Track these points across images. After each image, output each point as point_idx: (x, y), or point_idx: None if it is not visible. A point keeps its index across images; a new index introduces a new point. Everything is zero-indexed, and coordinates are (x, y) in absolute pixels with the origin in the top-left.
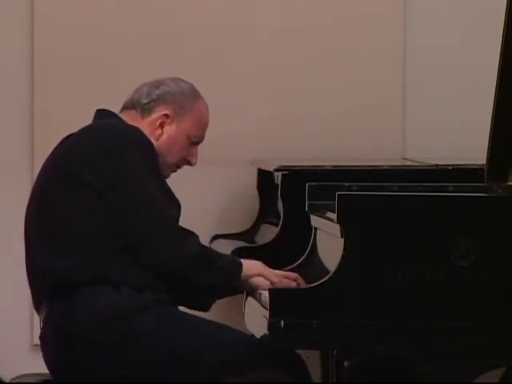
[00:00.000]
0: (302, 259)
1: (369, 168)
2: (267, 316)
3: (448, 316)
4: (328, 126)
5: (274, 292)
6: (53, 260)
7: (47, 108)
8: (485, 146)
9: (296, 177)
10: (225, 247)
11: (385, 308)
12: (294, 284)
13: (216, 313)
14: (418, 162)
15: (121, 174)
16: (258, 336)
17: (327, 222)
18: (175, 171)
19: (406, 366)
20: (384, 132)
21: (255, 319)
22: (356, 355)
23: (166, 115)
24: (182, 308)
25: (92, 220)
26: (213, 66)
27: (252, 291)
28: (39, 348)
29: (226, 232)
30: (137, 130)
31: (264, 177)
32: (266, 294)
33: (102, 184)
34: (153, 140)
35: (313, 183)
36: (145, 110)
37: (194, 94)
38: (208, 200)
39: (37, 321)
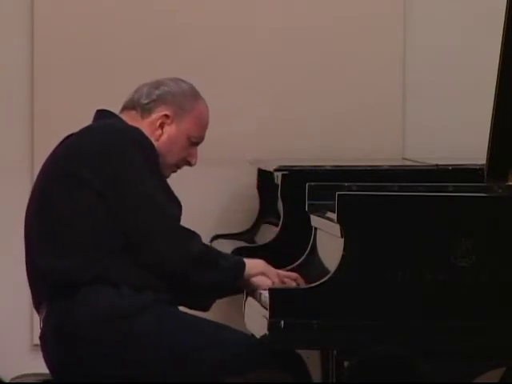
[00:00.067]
0: (301, 259)
1: (369, 168)
2: (267, 316)
3: (448, 316)
4: (328, 126)
5: (274, 292)
6: (53, 260)
7: (47, 108)
8: (485, 146)
9: (296, 177)
10: (225, 247)
11: (385, 308)
12: (294, 284)
13: (216, 313)
14: (418, 162)
15: (121, 174)
16: (258, 336)
17: (327, 221)
18: (175, 171)
19: (406, 366)
20: (384, 132)
21: (255, 319)
22: (356, 355)
23: (166, 115)
24: (182, 308)
25: (92, 220)
26: (213, 66)
27: (253, 291)
28: (39, 348)
29: (226, 232)
30: (137, 130)
31: (264, 177)
32: (266, 294)
33: (102, 184)
34: (153, 140)
35: (313, 183)
36: (145, 110)
37: (194, 95)
38: (208, 200)
39: (37, 321)
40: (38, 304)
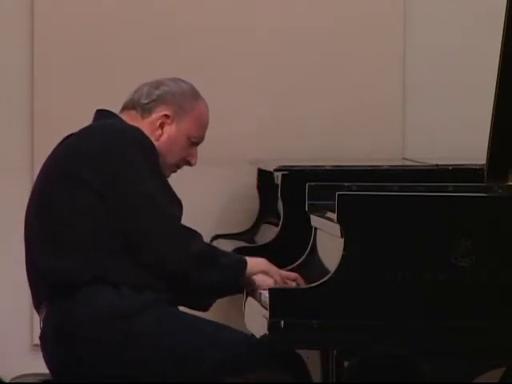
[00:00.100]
0: (301, 259)
1: (369, 168)
2: (267, 316)
3: (448, 316)
4: (328, 126)
5: (274, 292)
6: (53, 260)
7: (47, 108)
8: (485, 145)
9: (296, 177)
10: (225, 247)
11: (385, 308)
12: (293, 284)
13: (216, 313)
14: (418, 162)
15: (121, 174)
16: (258, 336)
17: (327, 221)
18: (175, 171)
19: (406, 366)
20: (384, 132)
21: (255, 319)
22: (356, 355)
23: (166, 115)
24: (182, 308)
25: (92, 220)
26: (213, 66)
27: (253, 290)
28: (39, 348)
29: (226, 232)
30: (137, 130)
31: (264, 177)
32: (266, 294)
33: (102, 184)
34: (153, 140)
35: (313, 183)
36: (145, 110)
37: (194, 95)
38: (208, 200)
39: (37, 321)
40: (38, 304)
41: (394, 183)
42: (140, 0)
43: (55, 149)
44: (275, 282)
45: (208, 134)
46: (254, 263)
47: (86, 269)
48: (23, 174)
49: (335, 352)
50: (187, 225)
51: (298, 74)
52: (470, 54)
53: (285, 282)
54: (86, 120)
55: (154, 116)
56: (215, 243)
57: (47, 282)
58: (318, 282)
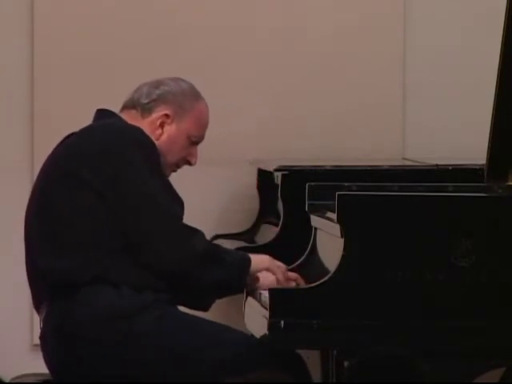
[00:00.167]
0: (301, 259)
1: (369, 168)
2: (267, 316)
3: (448, 316)
4: (328, 126)
5: (274, 292)
6: (53, 260)
7: (47, 108)
8: (485, 145)
9: (296, 177)
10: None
11: (385, 308)
12: (293, 284)
13: (216, 313)
14: (418, 162)
15: (121, 174)
16: (257, 336)
17: (327, 221)
18: (175, 171)
19: (406, 366)
20: (384, 132)
21: (255, 319)
22: (356, 355)
23: (167, 115)
24: (182, 308)
25: (92, 220)
26: (213, 66)
27: (254, 290)
28: (39, 348)
29: (226, 232)
30: (137, 130)
31: (264, 177)
32: (266, 294)
33: (102, 184)
34: (153, 140)
35: (313, 183)
36: (145, 109)
37: (194, 94)
38: (208, 200)
39: (37, 321)
40: (38, 304)
41: (394, 183)
42: (140, 0)
43: (55, 149)
44: (277, 281)
45: (208, 133)
46: (258, 260)
47: (85, 269)
48: (23, 174)
49: (335, 352)
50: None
51: (298, 74)
52: (470, 54)
53: (288, 280)
54: (86, 120)
55: (155, 115)
56: (215, 243)
57: (47, 282)
58: (317, 282)
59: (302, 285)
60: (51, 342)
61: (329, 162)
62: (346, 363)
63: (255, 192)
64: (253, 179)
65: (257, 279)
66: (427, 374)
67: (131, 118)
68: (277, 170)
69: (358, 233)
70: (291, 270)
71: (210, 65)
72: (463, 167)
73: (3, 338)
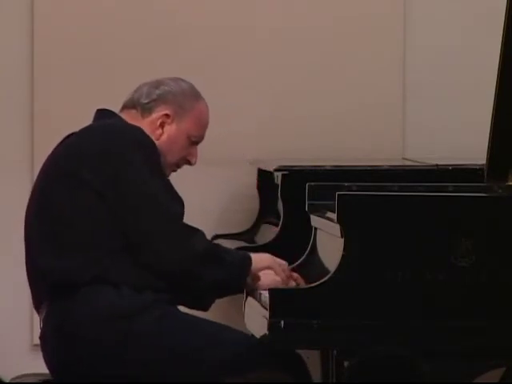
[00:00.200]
0: (301, 259)
1: (369, 168)
2: (267, 316)
3: (448, 316)
4: (328, 126)
5: (274, 292)
6: (53, 260)
7: (47, 108)
8: (485, 145)
9: (296, 177)
10: None
11: (385, 308)
12: (293, 284)
13: (216, 313)
14: (418, 162)
15: (121, 174)
16: (257, 336)
17: (327, 221)
18: (175, 171)
19: (406, 366)
20: (384, 132)
21: (255, 319)
22: (356, 355)
23: (167, 115)
24: (182, 308)
25: (92, 220)
26: (213, 66)
27: (254, 289)
28: (39, 348)
29: (226, 232)
30: (138, 130)
31: (264, 177)
32: (266, 294)
33: (102, 184)
34: (153, 139)
35: (313, 183)
36: (145, 109)
37: (194, 94)
38: (208, 200)
39: (37, 321)
40: (38, 304)
41: (394, 183)
42: (140, 0)
43: (55, 149)
44: (280, 281)
45: (208, 133)
46: (259, 259)
47: (86, 269)
48: (23, 174)
49: (335, 352)
50: None
51: (298, 74)
52: (470, 54)
53: (289, 278)
54: (86, 120)
55: (155, 115)
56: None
57: (47, 282)
58: (317, 282)
59: (302, 285)
60: (51, 342)
61: (329, 162)
62: (346, 363)
63: (255, 192)
64: (253, 179)
65: (258, 278)
66: (427, 374)
67: (131, 117)
68: (277, 170)
69: (358, 233)
70: (291, 270)
71: (210, 65)
72: (463, 167)
73: (3, 338)
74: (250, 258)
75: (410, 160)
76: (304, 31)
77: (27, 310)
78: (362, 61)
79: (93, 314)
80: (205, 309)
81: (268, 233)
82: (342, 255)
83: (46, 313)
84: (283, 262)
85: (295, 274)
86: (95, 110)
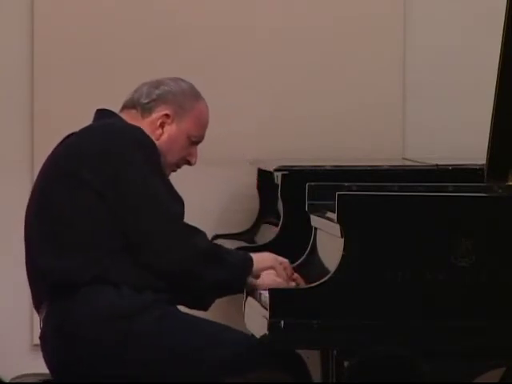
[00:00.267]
0: (301, 259)
1: (369, 168)
2: (267, 316)
3: (448, 316)
4: (328, 126)
5: (274, 292)
6: (53, 260)
7: (47, 108)
8: (485, 145)
9: (296, 177)
10: None
11: (385, 308)
12: (293, 284)
13: (216, 313)
14: (418, 162)
15: (121, 174)
16: (257, 336)
17: (327, 221)
18: (175, 171)
19: (406, 366)
20: (384, 132)
21: (255, 319)
22: (356, 355)
23: (167, 115)
24: (182, 308)
25: (92, 220)
26: (213, 66)
27: (253, 290)
28: (39, 348)
29: (226, 232)
30: (138, 129)
31: (264, 177)
32: (266, 294)
33: (102, 184)
34: (153, 139)
35: (313, 183)
36: (145, 109)
37: (194, 94)
38: (208, 200)
39: (37, 321)
40: (38, 304)
41: (394, 183)
42: (140, 0)
43: (55, 149)
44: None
45: (208, 133)
46: (261, 259)
47: (86, 269)
48: (23, 174)
49: (335, 352)
50: None
51: (298, 74)
52: (470, 54)
53: (291, 277)
54: (86, 120)
55: (155, 115)
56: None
57: (47, 282)
58: (317, 282)
59: (302, 285)
60: (51, 342)
61: (329, 162)
62: (346, 363)
63: (255, 192)
64: (253, 179)
65: (259, 278)
66: (427, 374)
67: (131, 117)
68: (277, 170)
69: (358, 233)
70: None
71: (210, 65)
72: (463, 167)
73: (3, 338)
74: (251, 260)
75: (410, 160)
76: (304, 31)
77: (27, 310)
78: (362, 61)
79: (93, 314)
80: (205, 309)
81: (268, 233)
82: (342, 255)
83: (46, 313)
84: (285, 260)
85: (295, 274)
86: (95, 110)
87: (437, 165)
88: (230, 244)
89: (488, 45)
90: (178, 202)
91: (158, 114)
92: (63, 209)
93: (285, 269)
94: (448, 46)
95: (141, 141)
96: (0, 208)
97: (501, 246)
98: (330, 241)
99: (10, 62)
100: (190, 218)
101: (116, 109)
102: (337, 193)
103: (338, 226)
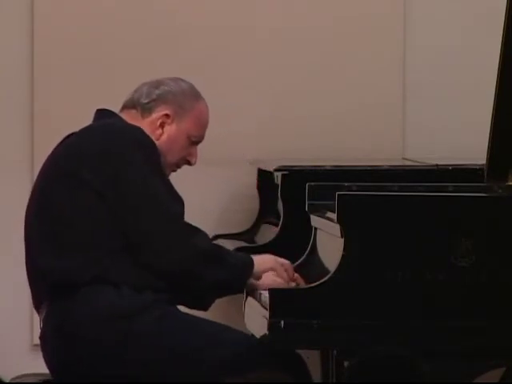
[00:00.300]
0: (301, 259)
1: (369, 168)
2: (267, 316)
3: (448, 316)
4: (328, 126)
5: (274, 292)
6: (53, 260)
7: (47, 108)
8: (485, 145)
9: (296, 177)
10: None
11: (385, 308)
12: (293, 284)
13: (216, 313)
14: (418, 162)
15: (121, 174)
16: (257, 336)
17: (327, 221)
18: (175, 171)
19: (406, 366)
20: (384, 132)
21: (255, 319)
22: (356, 355)
23: (167, 115)
24: (182, 308)
25: (92, 220)
26: (213, 66)
27: (254, 290)
28: (39, 348)
29: (226, 232)
30: (138, 129)
31: (264, 177)
32: (266, 294)
33: (102, 184)
34: (153, 140)
35: (313, 183)
36: (145, 109)
37: (194, 94)
38: (208, 200)
39: (37, 321)
40: (38, 304)
41: (394, 183)
42: (140, 0)
43: (55, 149)
44: (280, 281)
45: (208, 133)
46: (261, 261)
47: (86, 269)
48: (23, 174)
49: (335, 352)
50: None
51: (298, 74)
52: (470, 54)
53: (292, 278)
54: (86, 120)
55: (155, 115)
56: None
57: (47, 282)
58: (317, 282)
59: (302, 285)
60: (51, 342)
61: (329, 162)
62: (346, 363)
63: (255, 192)
64: (253, 179)
65: (260, 279)
66: (427, 374)
67: (131, 117)
68: (277, 170)
69: (358, 233)
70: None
71: (210, 65)
72: (463, 167)
73: (3, 338)
74: (252, 260)
75: (410, 160)
76: (304, 31)
77: (27, 310)
78: (362, 61)
79: (93, 314)
80: (205, 309)
81: (268, 233)
82: (342, 255)
83: (46, 313)
84: (286, 262)
85: (295, 274)
86: (95, 110)
87: (437, 165)
88: (230, 244)
89: (488, 45)
90: (178, 201)
91: (157, 113)
92: (63, 209)
93: (286, 270)
94: (448, 45)
95: (141, 141)
96: (0, 208)
97: (501, 246)
98: (330, 241)
99: (10, 61)
100: (190, 217)
101: (116, 109)
102: (337, 193)
103: (337, 226)
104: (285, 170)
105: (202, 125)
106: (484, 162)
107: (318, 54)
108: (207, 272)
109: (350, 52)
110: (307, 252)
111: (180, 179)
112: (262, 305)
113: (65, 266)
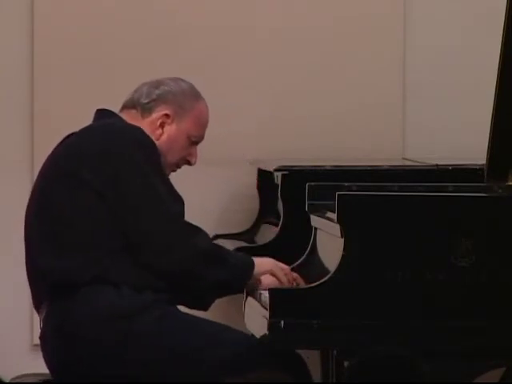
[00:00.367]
0: (301, 259)
1: (369, 168)
2: (267, 316)
3: (448, 316)
4: (328, 126)
5: (274, 292)
6: (53, 260)
7: (47, 108)
8: (485, 146)
9: (296, 177)
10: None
11: (385, 308)
12: (293, 284)
13: (216, 313)
14: (418, 162)
15: (121, 174)
16: (257, 336)
17: (327, 221)
18: (175, 171)
19: (406, 366)
20: (384, 132)
21: (255, 319)
22: (356, 355)
23: (167, 115)
24: (182, 308)
25: (92, 220)
26: (213, 66)
27: (253, 291)
28: (39, 348)
29: (226, 232)
30: (138, 129)
31: (264, 177)
32: (266, 294)
33: (102, 184)
34: (153, 139)
35: (313, 183)
36: (145, 109)
37: (194, 94)
38: (208, 200)
39: (37, 321)
40: (38, 304)
41: (394, 183)
42: (140, 0)
43: (55, 149)
44: (281, 284)
45: (208, 133)
46: (260, 263)
47: (86, 269)
48: (23, 174)
49: (335, 352)
50: None
51: (298, 74)
52: (470, 54)
53: (292, 281)
54: (86, 120)
55: (155, 115)
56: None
57: (47, 282)
58: (317, 282)
59: (302, 285)
60: (51, 342)
61: (329, 162)
62: (346, 363)
63: (255, 192)
64: (253, 179)
65: (258, 281)
66: (427, 374)
67: (131, 117)
68: (277, 170)
69: (358, 233)
70: (291, 270)
71: (210, 65)
72: (463, 167)
73: (3, 338)
74: (252, 261)
75: (410, 160)
76: (304, 31)
77: (27, 310)
78: (362, 61)
79: (93, 314)
80: (205, 309)
81: (268, 233)
82: (342, 255)
83: (46, 313)
84: (285, 267)
85: (295, 274)
86: (95, 110)
87: (437, 165)
88: (230, 244)
89: (488, 45)
90: (178, 201)
91: (157, 113)
92: (63, 209)
93: (285, 275)
94: (448, 45)
95: (141, 141)
96: (0, 208)
97: (501, 246)
98: (330, 241)
99: (10, 61)
100: (190, 217)
101: (116, 109)
102: (337, 193)
103: (337, 226)
104: (285, 170)
105: (202, 125)
106: (484, 161)
107: (318, 54)
108: (207, 272)
109: (350, 52)
110: (307, 252)
111: (180, 179)
112: (261, 305)
113: (65, 266)
